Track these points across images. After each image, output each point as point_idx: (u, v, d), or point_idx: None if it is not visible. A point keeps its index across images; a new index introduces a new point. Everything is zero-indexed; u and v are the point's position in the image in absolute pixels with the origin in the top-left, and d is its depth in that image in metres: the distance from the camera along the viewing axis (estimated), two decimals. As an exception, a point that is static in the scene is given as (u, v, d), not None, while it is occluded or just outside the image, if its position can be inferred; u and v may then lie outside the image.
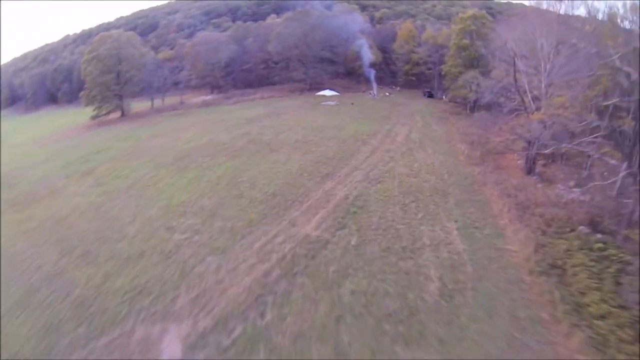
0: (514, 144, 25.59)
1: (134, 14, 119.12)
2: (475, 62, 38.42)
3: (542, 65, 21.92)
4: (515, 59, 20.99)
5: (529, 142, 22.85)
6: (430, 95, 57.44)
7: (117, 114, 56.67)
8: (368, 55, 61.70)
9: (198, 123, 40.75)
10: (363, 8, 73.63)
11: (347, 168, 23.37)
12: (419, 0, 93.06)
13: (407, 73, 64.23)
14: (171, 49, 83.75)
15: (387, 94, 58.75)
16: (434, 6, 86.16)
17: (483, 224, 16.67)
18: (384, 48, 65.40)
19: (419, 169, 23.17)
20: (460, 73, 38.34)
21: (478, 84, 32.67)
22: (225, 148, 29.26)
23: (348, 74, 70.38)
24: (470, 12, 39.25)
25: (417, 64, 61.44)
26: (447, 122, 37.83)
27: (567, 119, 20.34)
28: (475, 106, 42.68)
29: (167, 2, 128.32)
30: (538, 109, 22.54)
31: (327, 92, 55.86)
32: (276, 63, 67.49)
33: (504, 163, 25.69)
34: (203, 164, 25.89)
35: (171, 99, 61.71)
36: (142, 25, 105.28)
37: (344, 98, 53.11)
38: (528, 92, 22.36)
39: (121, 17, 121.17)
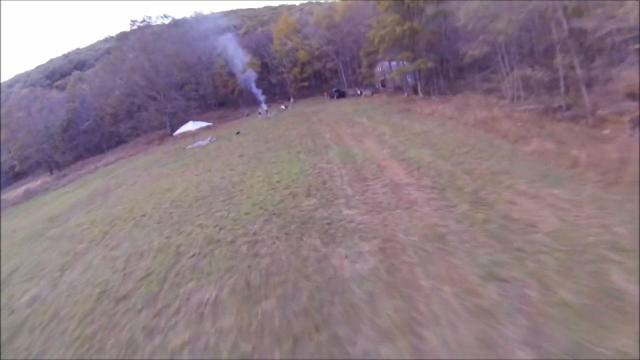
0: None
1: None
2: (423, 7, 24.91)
3: None
4: None
5: None
6: (341, 95, 43.72)
7: None
8: (241, 56, 44.28)
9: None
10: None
11: None
12: (282, 5, 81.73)
13: (296, 78, 49.84)
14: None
15: (283, 107, 42.49)
16: (302, 7, 75.08)
17: None
18: (260, 55, 49.68)
19: None
20: (413, 29, 24.40)
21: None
22: None
23: (221, 104, 52.91)
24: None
25: (309, 62, 47.60)
26: (419, 116, 23.01)
27: None
28: (421, 83, 30.15)
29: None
30: None
31: (192, 126, 32.93)
32: (119, 106, 46.10)
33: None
34: None
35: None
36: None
37: (222, 130, 34.81)
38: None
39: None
